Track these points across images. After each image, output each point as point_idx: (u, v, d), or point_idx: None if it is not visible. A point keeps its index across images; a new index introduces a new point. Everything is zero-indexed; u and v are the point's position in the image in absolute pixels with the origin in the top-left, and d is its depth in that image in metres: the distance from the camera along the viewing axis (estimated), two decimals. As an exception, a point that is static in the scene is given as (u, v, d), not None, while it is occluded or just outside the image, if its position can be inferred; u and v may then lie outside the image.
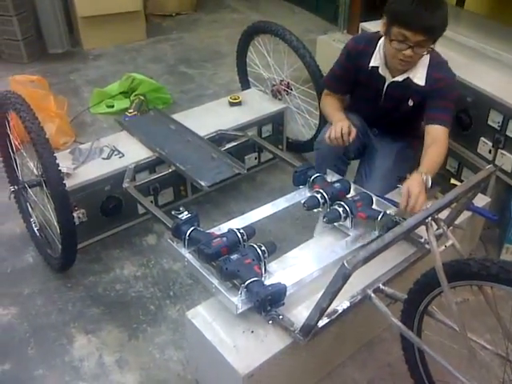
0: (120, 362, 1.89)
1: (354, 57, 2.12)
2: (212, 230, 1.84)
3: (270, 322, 1.56)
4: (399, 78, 2.06)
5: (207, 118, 2.73)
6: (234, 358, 1.50)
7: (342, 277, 1.23)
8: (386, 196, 2.12)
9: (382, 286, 1.68)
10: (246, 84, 3.20)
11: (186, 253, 1.77)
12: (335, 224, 1.93)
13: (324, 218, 1.89)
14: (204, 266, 1.71)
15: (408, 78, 2.04)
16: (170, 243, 1.80)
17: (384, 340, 1.95)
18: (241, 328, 1.58)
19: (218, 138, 2.59)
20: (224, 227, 1.88)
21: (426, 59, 2.02)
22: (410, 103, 2.11)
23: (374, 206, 1.96)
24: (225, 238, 1.72)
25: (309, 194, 2.07)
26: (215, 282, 1.64)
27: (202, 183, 2.20)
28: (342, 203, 1.89)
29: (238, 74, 3.21)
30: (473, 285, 1.34)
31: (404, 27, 1.85)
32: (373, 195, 1.98)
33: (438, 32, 1.87)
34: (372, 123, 2.31)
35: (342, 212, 1.87)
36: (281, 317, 1.55)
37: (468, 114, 2.34)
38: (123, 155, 2.43)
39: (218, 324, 1.60)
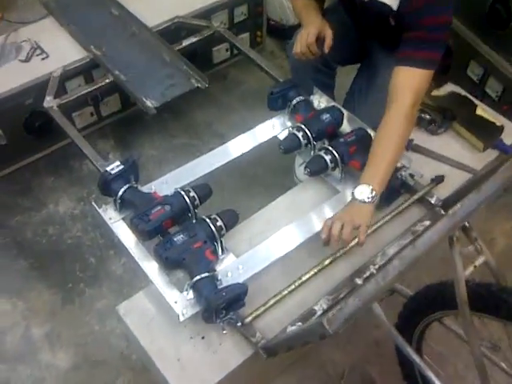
0: (51, 335, 1.56)
1: None
2: (153, 188, 1.37)
3: (225, 331, 1.18)
4: None
5: (161, -1, 2.07)
6: (177, 378, 1.15)
7: (319, 336, 0.82)
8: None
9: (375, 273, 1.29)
10: None
11: (118, 219, 1.32)
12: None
13: (305, 169, 1.41)
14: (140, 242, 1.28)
15: None
16: (95, 207, 1.33)
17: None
18: (187, 332, 1.20)
19: (174, 29, 1.98)
20: (171, 179, 1.41)
21: None
22: (392, 23, 1.44)
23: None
24: (168, 207, 1.26)
25: (289, 124, 1.57)
26: (152, 271, 1.22)
27: (148, 103, 1.66)
28: (331, 149, 1.40)
29: None
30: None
31: None
32: (372, 132, 1.49)
33: None
34: (364, 36, 1.70)
35: (329, 161, 1.40)
36: (239, 324, 1.16)
37: (508, 7, 1.73)
38: (47, 56, 1.84)
39: (157, 326, 1.22)
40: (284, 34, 2.44)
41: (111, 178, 1.32)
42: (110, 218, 1.32)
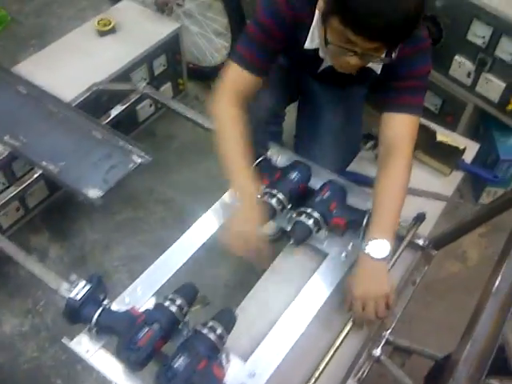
0: None
1: (289, 25, 1.24)
2: (126, 300, 1.19)
3: None
4: None
5: (70, 65, 1.85)
6: None
7: None
8: (351, 169, 1.57)
9: (390, 337, 1.20)
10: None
11: (96, 349, 1.13)
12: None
13: (290, 239, 1.30)
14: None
15: None
16: (66, 344, 1.13)
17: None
18: None
19: (95, 98, 1.78)
20: (144, 285, 1.22)
21: None
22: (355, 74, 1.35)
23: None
24: (156, 325, 1.08)
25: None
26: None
27: (91, 193, 1.46)
28: (310, 211, 1.30)
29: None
30: None
31: (350, 27, 1.02)
32: (343, 182, 1.40)
33: (407, 32, 1.06)
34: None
35: (312, 225, 1.29)
36: None
37: (437, 24, 1.72)
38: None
39: None
40: (205, 75, 2.31)
41: (80, 304, 1.12)
42: (88, 351, 1.12)
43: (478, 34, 1.62)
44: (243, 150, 1.25)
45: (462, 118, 1.84)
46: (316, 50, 1.30)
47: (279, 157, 1.50)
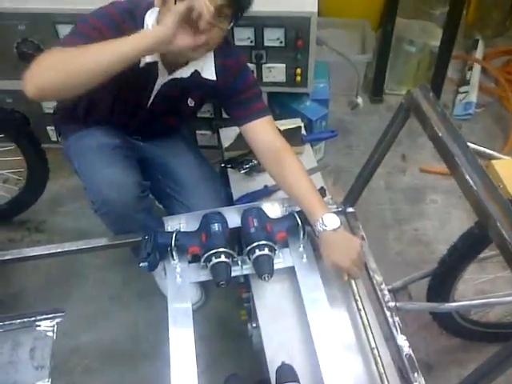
0: None
1: (122, 33, 1.21)
2: None
3: None
4: (183, 74, 1.39)
5: None
6: None
7: None
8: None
9: (388, 286, 1.33)
10: None
11: None
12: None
13: (263, 277, 1.28)
14: None
15: (195, 71, 1.38)
16: None
17: None
18: None
19: None
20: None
21: None
22: (191, 103, 1.51)
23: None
24: None
25: (181, 267, 1.36)
26: None
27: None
28: (256, 244, 1.28)
29: None
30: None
31: None
32: (253, 204, 1.45)
33: (247, 3, 1.26)
34: (132, 132, 1.61)
35: (269, 252, 1.30)
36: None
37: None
38: None
39: None
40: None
41: None
42: None
43: (242, 37, 1.81)
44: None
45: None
46: (154, 64, 1.34)
47: (180, 222, 1.45)
